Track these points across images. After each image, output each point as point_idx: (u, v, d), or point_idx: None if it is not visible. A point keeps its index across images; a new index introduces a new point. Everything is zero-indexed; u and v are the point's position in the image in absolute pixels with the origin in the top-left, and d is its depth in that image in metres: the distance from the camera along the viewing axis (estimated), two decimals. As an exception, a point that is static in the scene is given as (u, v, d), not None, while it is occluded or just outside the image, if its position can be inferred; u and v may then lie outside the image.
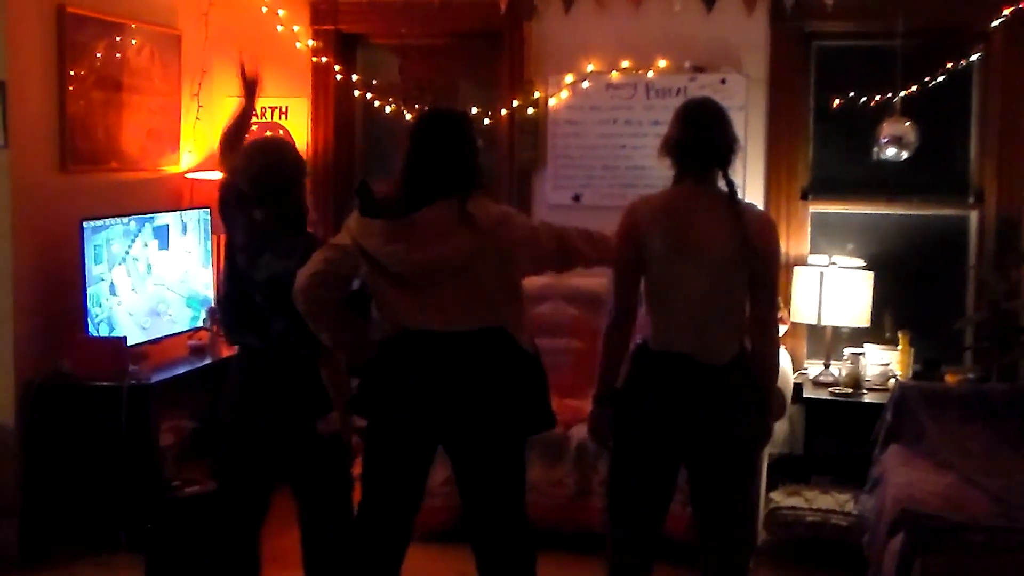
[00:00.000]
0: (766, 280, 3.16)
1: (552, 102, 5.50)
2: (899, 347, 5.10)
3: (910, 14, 5.01)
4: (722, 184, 3.20)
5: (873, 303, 5.04)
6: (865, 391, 4.98)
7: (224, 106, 5.83)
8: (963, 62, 5.17)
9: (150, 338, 4.85)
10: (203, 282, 5.29)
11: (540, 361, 3.27)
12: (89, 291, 4.54)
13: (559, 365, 4.98)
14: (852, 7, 5.16)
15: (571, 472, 4.55)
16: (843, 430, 4.94)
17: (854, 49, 5.49)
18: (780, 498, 4.62)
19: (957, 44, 5.23)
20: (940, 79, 5.15)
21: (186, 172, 5.60)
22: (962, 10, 5.11)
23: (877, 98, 5.18)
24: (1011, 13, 4.99)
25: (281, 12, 5.72)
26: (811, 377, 5.15)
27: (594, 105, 5.47)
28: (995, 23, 5.03)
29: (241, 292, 3.39)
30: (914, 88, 5.13)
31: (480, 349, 3.12)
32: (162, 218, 5.02)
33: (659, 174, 5.26)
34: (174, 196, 5.51)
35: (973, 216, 5.31)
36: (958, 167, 5.36)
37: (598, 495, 4.50)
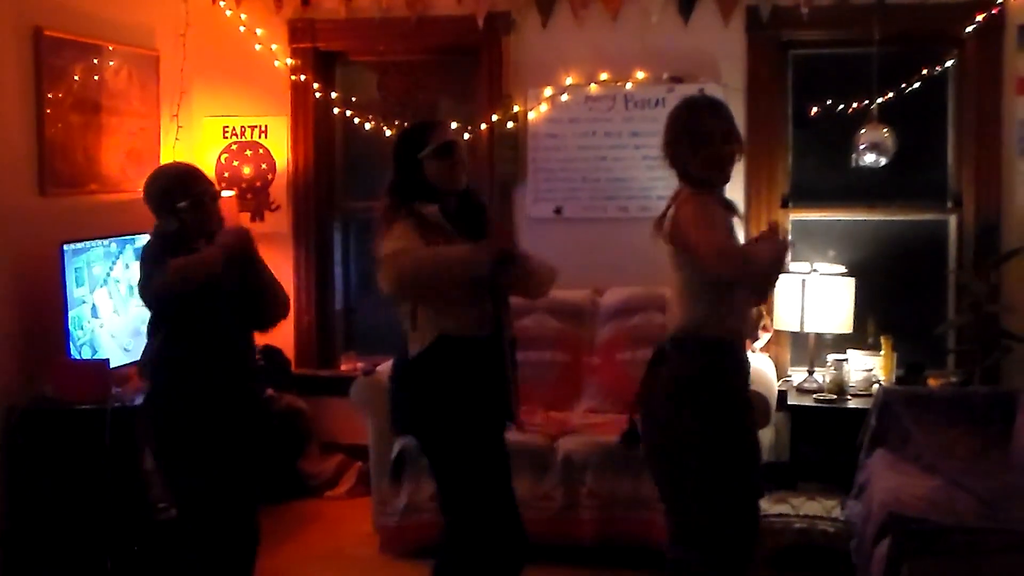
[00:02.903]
0: None
1: (531, 116, 5.51)
2: (882, 352, 5.12)
3: (885, 22, 5.05)
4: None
5: (855, 309, 5.05)
6: (849, 397, 4.99)
7: (203, 126, 5.84)
8: (938, 68, 5.22)
9: (133, 360, 4.82)
10: (185, 303, 5.27)
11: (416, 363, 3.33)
12: (71, 314, 4.52)
13: (543, 377, 5.00)
14: (827, 16, 5.20)
15: (558, 485, 4.53)
16: (828, 436, 4.95)
17: (830, 57, 5.52)
18: (767, 505, 4.61)
19: (932, 51, 5.27)
20: (916, 86, 5.19)
21: (166, 193, 5.57)
22: (936, 17, 5.15)
23: (854, 105, 5.21)
24: (984, 19, 5.04)
25: (259, 31, 5.72)
26: (795, 384, 5.16)
27: (573, 118, 5.49)
28: (968, 29, 5.07)
29: None
30: (891, 95, 5.17)
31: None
32: (143, 239, 4.98)
33: (639, 186, 5.42)
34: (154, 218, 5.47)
35: (952, 220, 5.34)
36: (936, 172, 5.40)
37: (585, 508, 4.50)
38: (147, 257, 3.50)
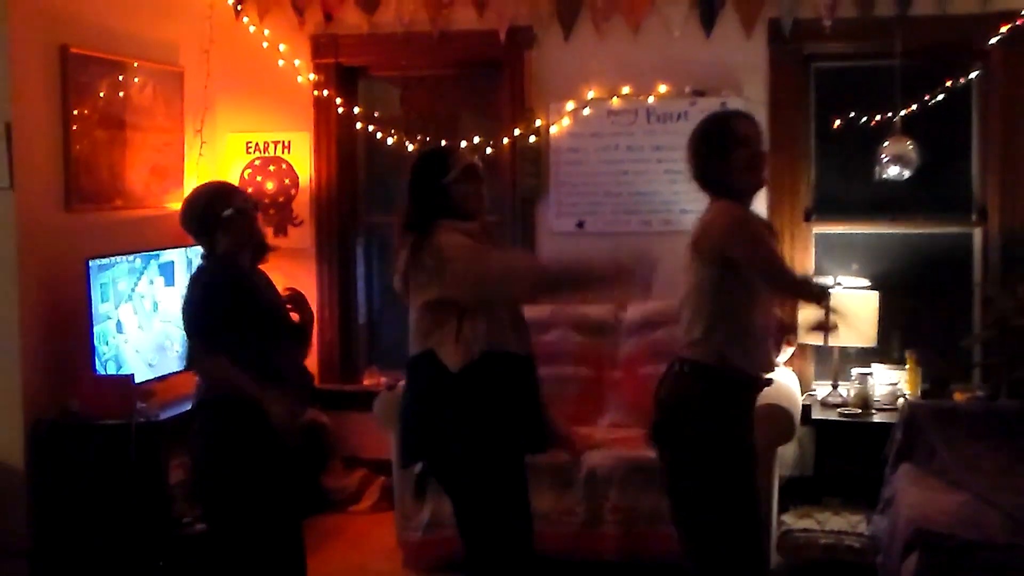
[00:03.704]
0: None
1: (553, 130, 5.52)
2: (907, 366, 5.09)
3: (908, 33, 5.04)
4: None
5: (879, 323, 5.02)
6: (874, 411, 4.96)
7: (227, 142, 5.87)
8: (962, 80, 5.19)
9: (157, 375, 4.85)
10: (209, 317, 5.29)
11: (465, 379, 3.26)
12: (96, 329, 4.54)
13: (566, 392, 4.98)
14: (850, 28, 5.18)
15: (581, 501, 4.52)
16: (853, 451, 4.92)
17: (853, 69, 5.50)
18: (792, 520, 4.59)
19: (956, 62, 5.25)
20: (940, 97, 5.17)
21: (190, 208, 5.61)
22: (960, 28, 5.13)
23: (877, 118, 5.19)
24: (1009, 30, 5.01)
25: (282, 47, 5.75)
26: (819, 398, 5.13)
27: (595, 132, 5.49)
28: (993, 40, 5.04)
29: None
30: (914, 107, 5.15)
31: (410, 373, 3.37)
32: (167, 255, 5.03)
33: (662, 199, 5.41)
34: (179, 233, 5.45)
35: (977, 233, 5.31)
36: (960, 184, 5.37)
37: (608, 523, 4.48)
38: (208, 296, 3.42)
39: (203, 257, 3.53)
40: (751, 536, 3.27)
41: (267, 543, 3.45)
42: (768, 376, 3.33)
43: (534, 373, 3.36)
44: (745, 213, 3.26)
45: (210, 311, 3.40)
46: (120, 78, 5.09)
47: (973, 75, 5.22)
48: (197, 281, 3.50)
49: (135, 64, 5.19)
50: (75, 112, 4.77)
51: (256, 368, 3.38)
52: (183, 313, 3.48)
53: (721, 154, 3.24)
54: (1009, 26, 5.01)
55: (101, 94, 4.95)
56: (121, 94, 5.10)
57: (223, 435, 3.44)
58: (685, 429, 3.21)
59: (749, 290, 3.20)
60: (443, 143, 3.47)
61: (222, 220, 3.45)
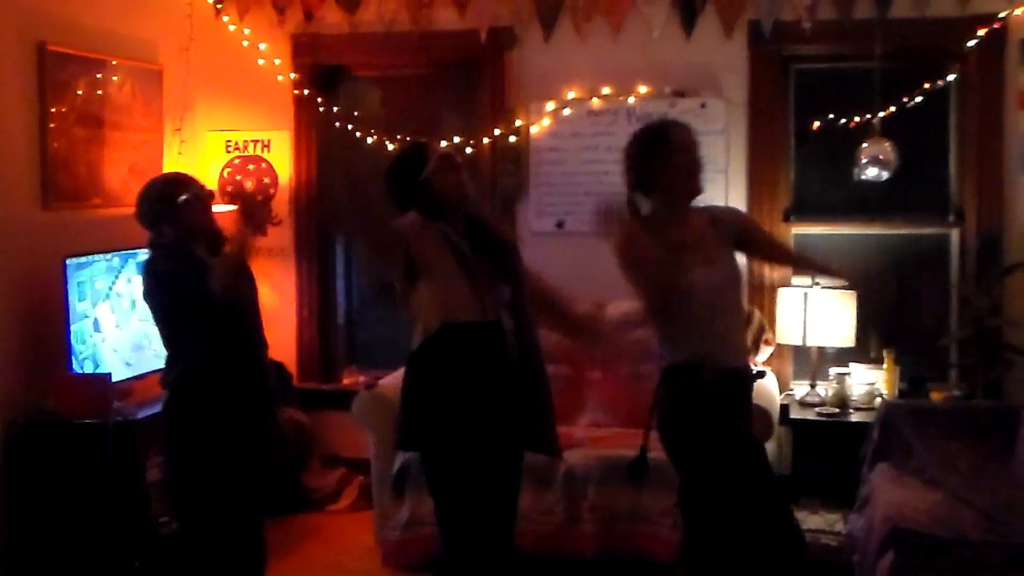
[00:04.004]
0: None
1: (534, 130, 5.52)
2: (884, 366, 5.12)
3: (887, 36, 5.06)
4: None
5: (857, 323, 5.05)
6: (851, 411, 4.99)
7: (206, 140, 5.85)
8: (940, 82, 5.22)
9: (135, 374, 4.83)
10: (188, 316, 5.28)
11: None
12: (73, 328, 4.52)
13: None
14: (829, 30, 5.21)
15: (560, 499, 4.52)
16: (830, 450, 4.95)
17: (832, 71, 5.52)
18: (770, 520, 4.60)
19: (934, 65, 5.28)
20: (918, 100, 5.20)
21: (169, 207, 5.59)
22: (938, 32, 5.16)
23: (856, 119, 5.21)
24: (985, 34, 5.04)
25: (262, 46, 5.74)
26: (797, 398, 5.15)
27: (576, 132, 5.50)
28: (970, 44, 5.08)
29: None
30: (892, 109, 5.17)
31: None
32: (145, 254, 4.99)
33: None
34: (157, 231, 5.49)
35: (954, 234, 5.34)
36: (938, 186, 5.40)
37: (586, 522, 4.48)
38: (165, 270, 3.48)
39: (152, 245, 3.56)
40: (756, 523, 3.29)
41: (228, 537, 3.48)
42: (759, 369, 3.39)
43: (502, 338, 3.22)
44: (632, 232, 3.27)
45: (169, 291, 3.46)
46: (98, 76, 5.07)
47: (951, 78, 5.25)
48: (150, 269, 3.54)
49: (114, 62, 5.17)
50: (53, 110, 4.75)
51: (214, 353, 3.39)
52: (147, 300, 3.55)
53: (659, 163, 3.27)
54: (986, 30, 5.04)
55: (79, 92, 4.93)
56: (99, 92, 5.08)
57: (187, 430, 3.49)
58: (679, 433, 3.27)
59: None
60: (418, 140, 3.46)
61: (177, 206, 3.49)
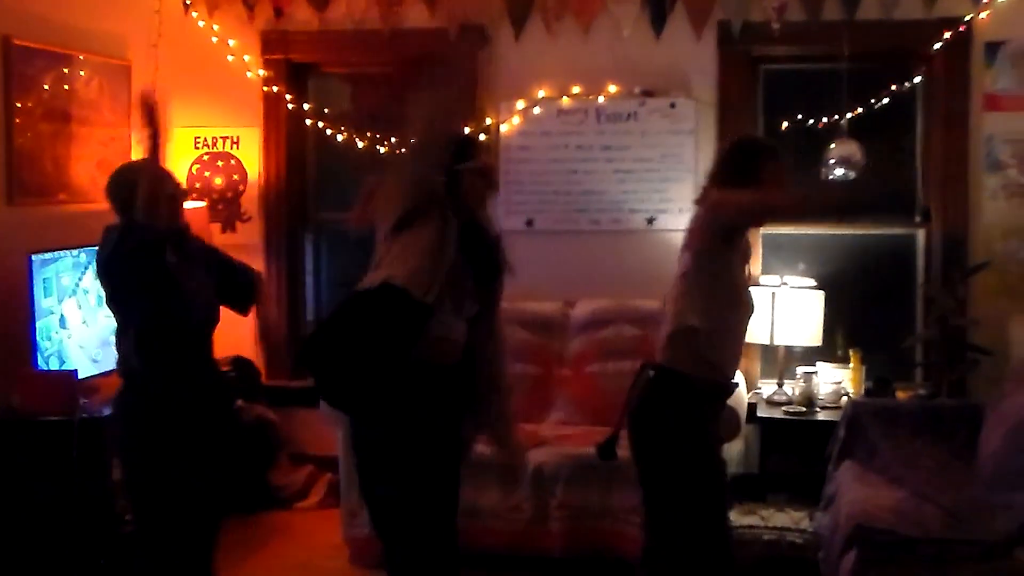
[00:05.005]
0: None
1: (504, 128, 5.53)
2: (851, 365, 5.16)
3: (854, 38, 5.10)
4: None
5: (824, 322, 5.09)
6: (818, 409, 5.03)
7: (175, 137, 5.82)
8: (906, 84, 5.27)
9: (101, 371, 4.79)
10: (155, 313, 5.25)
11: None
12: (38, 324, 4.49)
13: (515, 390, 4.95)
14: (798, 31, 5.24)
15: (528, 497, 4.53)
16: (797, 448, 4.98)
17: (801, 72, 5.57)
18: (737, 517, 4.63)
19: (900, 67, 5.33)
20: (885, 101, 5.24)
21: (137, 203, 5.56)
22: (904, 34, 5.20)
23: (824, 120, 5.25)
24: (951, 36, 5.09)
25: (232, 42, 5.71)
26: (765, 396, 5.18)
27: (545, 131, 5.51)
28: (936, 46, 5.13)
29: None
30: (860, 110, 5.21)
31: None
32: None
33: (611, 198, 5.45)
34: (125, 227, 5.46)
35: (920, 235, 5.39)
36: (904, 187, 5.45)
37: (555, 520, 4.49)
38: (130, 248, 3.36)
39: (120, 228, 3.45)
40: (718, 532, 3.31)
41: (181, 537, 3.46)
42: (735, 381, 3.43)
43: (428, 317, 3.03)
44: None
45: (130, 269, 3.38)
46: (65, 71, 5.03)
47: (917, 80, 5.30)
48: (117, 248, 3.42)
49: (81, 57, 5.13)
50: (18, 105, 4.71)
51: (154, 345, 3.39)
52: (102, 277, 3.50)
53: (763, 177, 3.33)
54: (952, 32, 5.09)
55: (45, 87, 4.89)
56: (66, 87, 5.04)
57: (135, 428, 3.46)
58: (656, 438, 3.30)
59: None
60: (474, 135, 3.27)
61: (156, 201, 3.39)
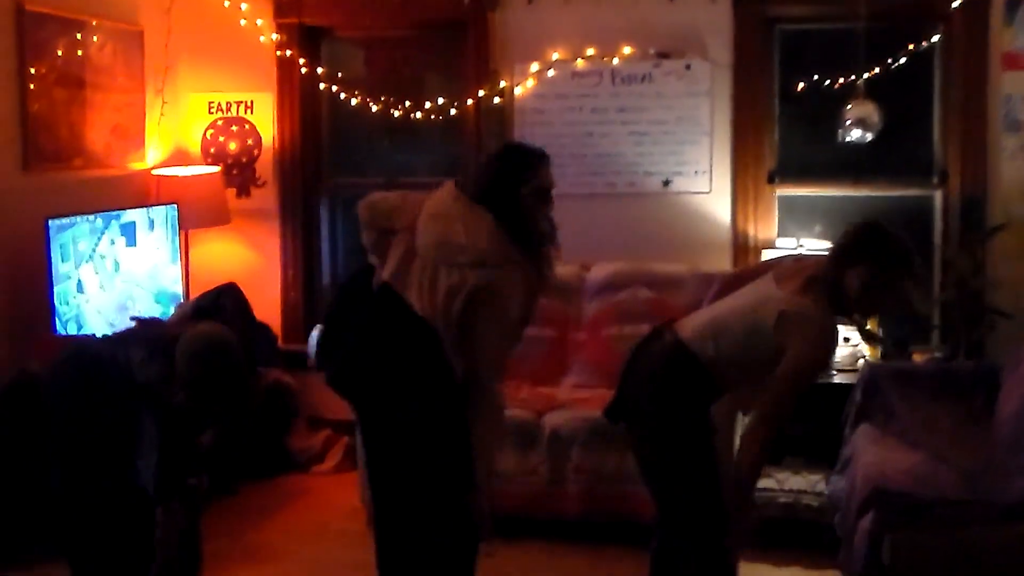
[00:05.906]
0: None
1: (518, 91, 5.50)
2: (867, 327, 5.13)
3: (871, -3, 5.05)
4: None
5: (841, 285, 5.05)
6: (835, 372, 5.01)
7: (189, 102, 5.81)
8: (924, 44, 5.21)
9: (119, 336, 4.82)
10: (171, 278, 5.27)
11: None
12: (56, 290, 4.51)
13: (530, 353, 4.99)
14: (814, -9, 5.19)
15: (545, 459, 4.55)
16: (814, 411, 4.95)
17: (817, 32, 5.51)
18: (752, 480, 4.64)
19: (918, 26, 5.26)
20: (902, 61, 5.19)
21: (152, 168, 5.57)
22: (923, -8, 5.16)
23: (841, 81, 5.20)
24: (971, -6, 5.04)
25: (244, 6, 5.69)
26: (781, 360, 5.16)
27: (560, 93, 5.48)
28: (955, 4, 5.06)
29: None
30: (877, 70, 5.16)
31: None
32: (129, 215, 4.99)
33: (626, 161, 5.42)
34: (140, 192, 5.48)
35: (938, 196, 5.35)
36: (922, 148, 5.40)
37: (571, 483, 4.51)
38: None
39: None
40: (714, 495, 3.32)
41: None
42: None
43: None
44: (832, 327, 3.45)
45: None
46: (79, 36, 5.02)
47: (935, 39, 5.24)
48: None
49: (94, 23, 5.12)
50: (32, 71, 4.71)
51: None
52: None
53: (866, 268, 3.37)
54: (971, -10, 5.03)
55: (59, 53, 4.89)
56: (80, 53, 5.03)
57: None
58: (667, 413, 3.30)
59: None
60: (541, 150, 3.20)
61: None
